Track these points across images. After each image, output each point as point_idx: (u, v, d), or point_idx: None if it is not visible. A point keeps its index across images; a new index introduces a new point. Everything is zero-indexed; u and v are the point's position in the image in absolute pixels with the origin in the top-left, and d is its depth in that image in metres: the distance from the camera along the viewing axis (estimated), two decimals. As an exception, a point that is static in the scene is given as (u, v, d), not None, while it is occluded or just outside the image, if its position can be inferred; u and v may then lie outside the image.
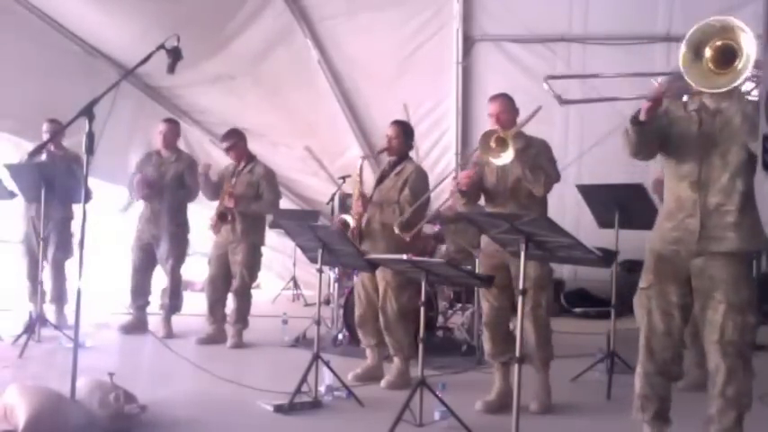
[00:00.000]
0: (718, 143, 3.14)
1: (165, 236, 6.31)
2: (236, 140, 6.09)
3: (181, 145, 8.86)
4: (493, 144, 4.01)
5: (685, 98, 3.24)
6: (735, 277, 3.11)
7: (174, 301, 6.39)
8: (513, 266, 4.07)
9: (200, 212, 7.06)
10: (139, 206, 6.59)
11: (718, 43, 2.82)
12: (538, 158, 4.18)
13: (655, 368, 3.28)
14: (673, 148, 3.25)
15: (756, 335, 3.30)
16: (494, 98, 4.42)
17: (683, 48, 2.85)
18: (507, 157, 3.95)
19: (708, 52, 2.83)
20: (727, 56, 2.79)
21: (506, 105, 4.35)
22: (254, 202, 6.02)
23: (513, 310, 4.33)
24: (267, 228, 7.94)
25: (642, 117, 3.11)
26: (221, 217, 6.00)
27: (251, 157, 6.17)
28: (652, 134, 3.19)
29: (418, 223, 4.63)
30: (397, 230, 4.60)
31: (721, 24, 2.83)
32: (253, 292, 6.32)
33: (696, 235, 3.14)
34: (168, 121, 6.45)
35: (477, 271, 5.83)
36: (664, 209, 3.35)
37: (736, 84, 2.80)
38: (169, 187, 6.29)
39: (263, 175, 6.08)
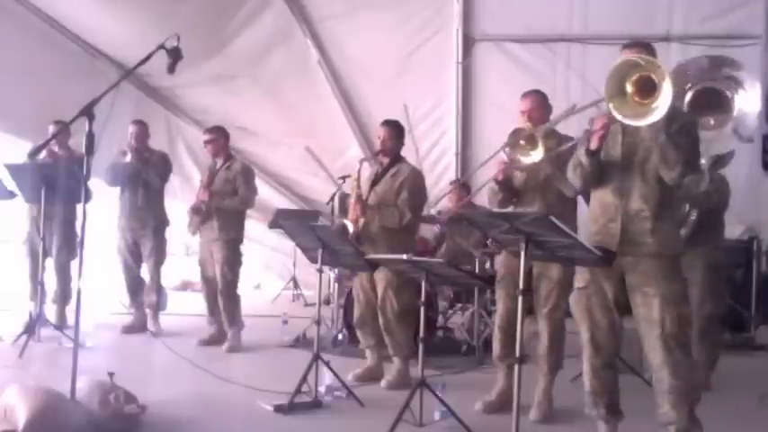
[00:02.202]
0: (638, 152, 3.28)
1: (148, 233, 6.37)
2: (216, 136, 6.09)
3: (180, 145, 8.97)
4: (522, 142, 3.87)
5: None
6: (665, 272, 3.22)
7: (159, 299, 6.44)
8: (536, 267, 4.07)
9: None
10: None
11: (635, 77, 2.99)
12: (569, 158, 4.01)
13: (602, 362, 3.37)
14: (602, 158, 3.35)
15: (691, 327, 3.38)
16: (526, 95, 4.31)
17: (606, 90, 3.02)
18: (537, 155, 3.81)
19: (629, 87, 2.99)
20: (648, 86, 2.95)
21: (539, 102, 4.25)
22: (228, 198, 6.02)
23: (528, 313, 4.29)
24: (267, 228, 7.98)
25: (594, 146, 3.25)
26: (195, 210, 6.00)
27: (229, 156, 6.17)
28: (599, 161, 3.33)
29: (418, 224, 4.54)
30: None
31: (634, 61, 3.02)
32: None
33: (617, 238, 3.27)
34: (137, 122, 6.48)
35: (478, 271, 5.87)
36: (589, 213, 3.46)
37: (660, 116, 2.94)
38: (146, 183, 6.33)
39: (240, 171, 6.06)
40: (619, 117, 3.02)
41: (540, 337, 4.17)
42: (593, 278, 3.35)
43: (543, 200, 4.16)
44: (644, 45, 3.33)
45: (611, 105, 3.00)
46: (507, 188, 4.23)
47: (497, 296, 4.41)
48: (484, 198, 4.71)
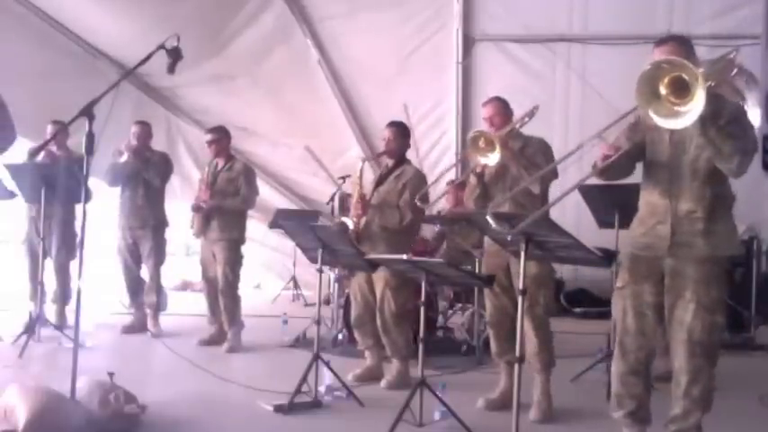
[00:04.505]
0: (687, 151, 3.18)
1: (148, 233, 6.38)
2: (220, 136, 6.10)
3: (180, 145, 8.97)
4: (482, 144, 4.05)
5: None
6: (706, 277, 3.14)
7: (159, 299, 6.45)
8: (514, 265, 4.07)
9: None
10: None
11: (668, 78, 2.86)
12: (535, 157, 4.20)
13: (627, 368, 3.31)
14: (647, 156, 3.30)
15: (722, 336, 3.33)
16: (487, 102, 4.48)
17: (638, 95, 2.90)
18: (494, 158, 4.00)
19: (663, 90, 2.87)
20: (682, 86, 2.82)
21: (499, 108, 4.40)
22: (230, 198, 6.02)
23: (515, 310, 4.33)
24: (267, 228, 7.97)
25: (600, 167, 3.20)
26: (196, 209, 6.01)
27: (231, 156, 6.18)
28: (619, 167, 3.28)
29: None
30: None
31: (662, 63, 2.90)
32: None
33: (667, 241, 3.18)
34: (140, 122, 6.51)
35: (477, 271, 5.87)
36: (638, 214, 3.38)
37: (695, 118, 2.80)
38: (147, 182, 6.34)
39: (242, 170, 6.07)
40: (658, 120, 2.89)
41: (527, 335, 4.16)
42: (632, 279, 3.27)
43: (513, 199, 4.20)
44: (677, 39, 3.22)
45: (649, 111, 2.88)
46: (483, 183, 4.33)
47: (485, 295, 4.46)
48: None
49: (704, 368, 3.15)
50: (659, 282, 3.23)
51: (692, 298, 3.12)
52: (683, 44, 3.19)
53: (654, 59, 3.10)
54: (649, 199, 3.29)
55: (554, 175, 4.21)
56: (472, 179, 4.36)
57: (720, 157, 3.02)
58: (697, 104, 2.77)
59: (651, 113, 2.88)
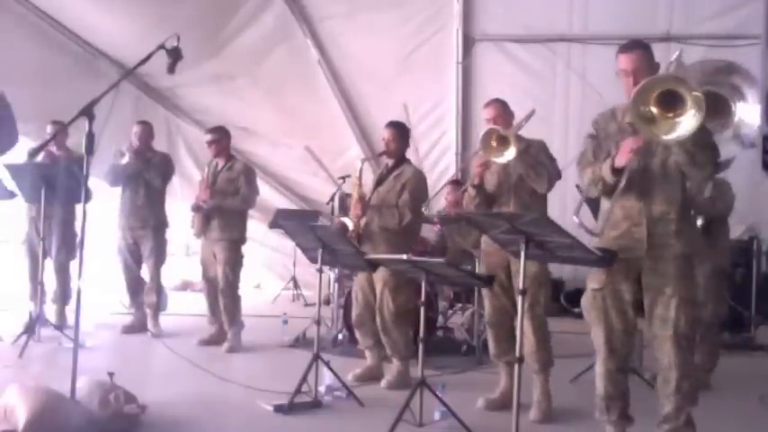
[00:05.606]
0: (655, 154, 3.22)
1: (148, 233, 6.38)
2: (220, 136, 6.10)
3: (180, 145, 8.97)
4: (494, 143, 4.03)
5: (618, 109, 3.34)
6: (684, 272, 3.21)
7: (159, 299, 6.46)
8: (514, 265, 4.08)
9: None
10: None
11: (656, 94, 2.88)
12: (539, 156, 4.23)
13: (616, 365, 3.34)
14: None
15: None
16: (488, 104, 4.48)
17: (636, 123, 2.93)
18: (510, 154, 3.97)
19: (654, 109, 2.89)
20: (670, 98, 2.85)
21: (501, 109, 4.41)
22: (230, 198, 6.02)
23: (514, 310, 4.34)
24: (267, 228, 7.97)
25: (621, 164, 3.16)
26: (196, 209, 6.02)
27: (231, 156, 6.19)
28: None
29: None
30: None
31: (652, 81, 2.91)
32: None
33: (644, 243, 3.22)
34: (141, 122, 6.53)
35: (477, 271, 5.87)
36: (608, 218, 3.35)
37: (699, 121, 2.82)
38: (147, 182, 6.35)
39: (242, 170, 6.07)
40: (666, 138, 2.91)
41: (525, 335, 4.16)
42: (610, 279, 3.30)
43: (517, 199, 4.26)
44: (642, 45, 3.27)
45: (658, 135, 2.91)
46: (483, 193, 4.33)
47: (484, 295, 4.47)
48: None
49: (690, 363, 3.20)
50: (636, 281, 3.28)
51: (674, 293, 3.18)
52: (646, 49, 3.25)
53: (620, 68, 3.18)
54: (623, 203, 3.29)
55: (558, 175, 4.24)
56: (470, 191, 4.35)
57: (694, 165, 3.09)
58: (693, 110, 2.80)
59: (661, 136, 2.91)
